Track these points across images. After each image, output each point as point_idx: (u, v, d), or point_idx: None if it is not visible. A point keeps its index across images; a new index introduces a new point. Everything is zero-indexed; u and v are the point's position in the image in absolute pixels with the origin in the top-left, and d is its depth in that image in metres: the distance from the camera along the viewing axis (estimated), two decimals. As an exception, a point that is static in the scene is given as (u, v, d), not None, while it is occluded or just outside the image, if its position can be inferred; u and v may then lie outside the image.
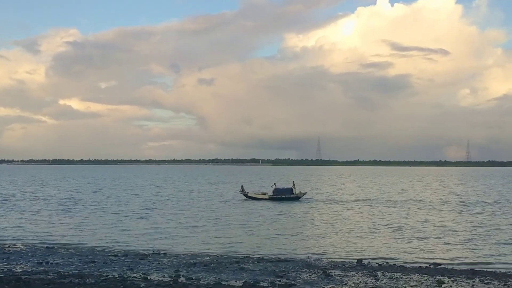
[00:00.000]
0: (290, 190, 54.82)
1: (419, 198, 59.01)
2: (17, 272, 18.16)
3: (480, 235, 29.54)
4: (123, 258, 21.46)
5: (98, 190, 72.85)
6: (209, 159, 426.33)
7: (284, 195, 53.68)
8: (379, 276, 17.88)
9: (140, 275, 17.67)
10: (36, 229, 31.51)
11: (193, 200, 54.88)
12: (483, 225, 33.78)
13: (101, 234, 29.69)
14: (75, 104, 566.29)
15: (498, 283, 17.06)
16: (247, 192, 56.37)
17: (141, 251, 23.62)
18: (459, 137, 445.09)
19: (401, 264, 20.87)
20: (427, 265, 20.67)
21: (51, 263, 19.98)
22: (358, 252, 23.87)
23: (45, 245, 25.27)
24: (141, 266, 19.61)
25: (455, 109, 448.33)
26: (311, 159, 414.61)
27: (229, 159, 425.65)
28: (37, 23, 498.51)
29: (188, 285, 16.19)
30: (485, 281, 17.24)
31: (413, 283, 16.80)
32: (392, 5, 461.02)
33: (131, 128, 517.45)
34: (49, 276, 17.29)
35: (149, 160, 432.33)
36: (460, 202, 53.39)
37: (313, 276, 17.89)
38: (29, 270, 18.59)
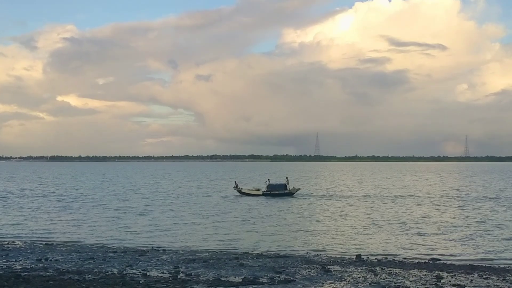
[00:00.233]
0: (284, 186, 54.97)
1: (417, 193, 59.11)
2: (16, 269, 18.15)
3: (479, 230, 29.58)
4: (122, 254, 21.47)
5: (97, 187, 72.83)
6: (208, 155, 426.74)
7: (277, 191, 53.84)
8: (378, 271, 17.90)
9: (140, 272, 17.67)
10: (35, 226, 31.50)
11: (192, 197, 54.90)
12: (483, 221, 33.84)
13: (100, 230, 29.69)
14: (73, 100, 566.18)
15: (497, 278, 17.10)
16: (241, 188, 56.53)
17: (140, 248, 23.62)
18: (457, 132, 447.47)
19: (400, 260, 20.90)
20: (426, 261, 20.70)
21: (50, 260, 19.97)
22: (357, 248, 23.89)
23: (44, 242, 25.28)
24: (140, 262, 19.61)
25: (453, 105, 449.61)
26: (310, 155, 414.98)
27: (227, 155, 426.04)
28: (34, 19, 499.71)
29: (188, 281, 16.20)
30: (484, 276, 17.28)
31: (412, 279, 16.83)
32: (390, 0, 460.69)
33: (129, 124, 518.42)
34: (48, 273, 17.28)
35: (148, 156, 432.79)
36: (459, 197, 53.47)
37: (312, 271, 17.91)
38: (28, 267, 18.58)
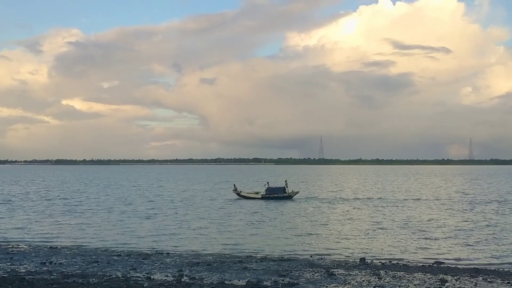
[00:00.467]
0: (283, 189, 55.07)
1: (422, 197, 58.94)
2: (20, 272, 18.21)
3: (484, 234, 29.49)
4: (126, 258, 21.50)
5: (101, 190, 72.95)
6: (212, 159, 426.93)
7: (276, 194, 53.96)
8: (382, 275, 17.87)
9: (144, 275, 17.70)
10: (39, 230, 31.58)
11: (196, 200, 54.92)
12: (487, 224, 33.73)
13: (104, 234, 29.74)
14: (78, 104, 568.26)
15: (502, 281, 17.04)
16: (240, 191, 56.65)
17: (144, 251, 23.65)
18: (461, 135, 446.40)
19: (404, 263, 20.85)
20: (430, 264, 20.65)
21: (55, 263, 20.02)
22: (361, 251, 23.85)
23: (49, 245, 25.34)
24: (144, 265, 19.64)
25: (457, 108, 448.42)
26: (314, 158, 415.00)
27: (231, 159, 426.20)
28: (39, 23, 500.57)
29: (191, 284, 16.21)
30: (488, 280, 17.23)
31: (416, 282, 16.79)
32: (394, 4, 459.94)
33: (133, 128, 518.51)
34: (52, 276, 17.32)
35: (152, 160, 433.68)
36: (464, 201, 53.31)
37: (316, 275, 17.89)
38: (33, 270, 18.63)
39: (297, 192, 56.12)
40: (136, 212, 41.62)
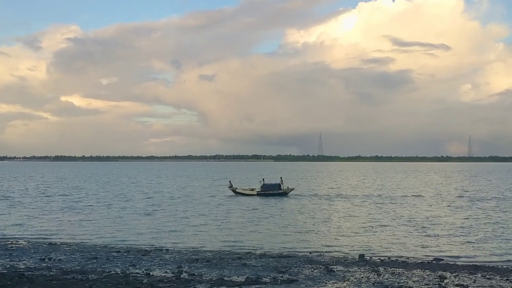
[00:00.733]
0: (278, 186, 55.21)
1: (421, 193, 59.01)
2: (20, 268, 18.20)
3: (483, 231, 29.51)
4: (125, 254, 21.50)
5: (100, 187, 72.97)
6: (211, 155, 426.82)
7: (272, 191, 54.08)
8: (381, 271, 17.88)
9: (143, 271, 17.70)
10: (38, 226, 31.57)
11: (195, 197, 54.95)
12: (487, 221, 33.76)
13: (104, 230, 29.75)
14: (77, 100, 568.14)
15: (500, 278, 17.06)
16: (236, 188, 56.74)
17: (143, 247, 23.66)
18: (460, 132, 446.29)
19: (403, 260, 20.87)
20: (429, 261, 20.67)
21: (54, 260, 20.02)
22: (360, 248, 23.87)
23: (48, 242, 25.33)
24: (143, 262, 19.64)
25: (456, 105, 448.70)
26: (313, 155, 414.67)
27: (230, 155, 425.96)
28: (38, 19, 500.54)
29: (191, 280, 16.21)
30: (487, 276, 17.24)
31: (415, 279, 16.80)
32: (393, 0, 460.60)
33: (132, 124, 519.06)
34: (51, 272, 17.32)
35: (151, 156, 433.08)
36: (463, 197, 53.37)
37: (315, 271, 17.90)
38: (32, 266, 18.63)
39: (293, 189, 56.23)
40: (135, 209, 41.63)
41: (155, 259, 20.22)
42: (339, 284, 16.11)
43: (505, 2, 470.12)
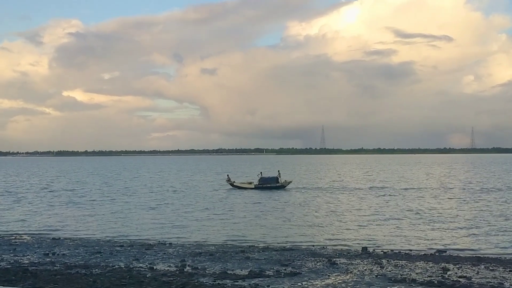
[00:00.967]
0: (276, 179, 55.34)
1: (423, 186, 58.96)
2: (23, 263, 18.26)
3: (486, 222, 29.50)
4: (129, 248, 21.56)
5: (103, 182, 73.08)
6: (213, 149, 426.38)
7: (269, 184, 54.20)
8: (384, 264, 17.90)
9: (146, 265, 17.74)
10: (42, 221, 31.67)
11: (198, 191, 55.02)
12: (489, 213, 33.74)
13: (107, 225, 29.83)
14: (79, 95, 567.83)
15: (504, 269, 17.06)
16: (233, 182, 56.83)
17: (146, 242, 23.71)
18: (463, 124, 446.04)
19: (406, 252, 20.88)
20: (432, 253, 20.68)
21: (58, 254, 20.08)
22: (363, 240, 23.88)
23: (51, 237, 25.42)
24: (147, 256, 19.69)
25: (459, 96, 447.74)
26: (315, 148, 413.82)
27: (233, 149, 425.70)
28: (39, 14, 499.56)
29: (194, 274, 16.24)
30: (490, 268, 17.24)
31: (418, 271, 16.81)
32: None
33: (134, 119, 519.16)
34: (55, 267, 17.38)
35: (154, 150, 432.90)
36: (466, 189, 53.33)
37: (318, 264, 17.93)
38: (36, 261, 18.69)
39: (290, 182, 56.33)
40: (139, 203, 41.71)
41: (158, 253, 20.27)
42: (342, 276, 16.12)
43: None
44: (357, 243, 23.12)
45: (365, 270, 16.94)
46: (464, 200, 41.96)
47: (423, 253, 20.71)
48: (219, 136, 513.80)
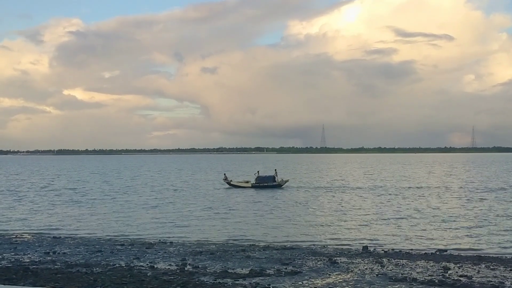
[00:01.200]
0: (273, 178, 55.48)
1: (424, 185, 58.94)
2: (24, 262, 18.27)
3: (486, 221, 29.49)
4: (129, 247, 21.56)
5: (104, 180, 73.10)
6: (214, 148, 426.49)
7: (266, 183, 54.31)
8: (385, 263, 17.89)
9: (147, 264, 17.75)
10: (43, 220, 31.69)
11: (198, 190, 55.03)
12: (490, 212, 33.72)
13: (108, 224, 29.83)
14: (79, 94, 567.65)
15: (504, 268, 17.05)
16: (230, 180, 56.92)
17: (147, 240, 23.72)
18: (464, 123, 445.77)
19: (407, 251, 20.87)
20: (433, 252, 20.67)
21: (58, 253, 20.09)
22: (364, 239, 23.87)
23: (52, 235, 25.42)
24: (147, 255, 19.69)
25: (460, 95, 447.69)
26: (316, 147, 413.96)
27: (233, 148, 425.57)
28: (39, 13, 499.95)
29: (195, 273, 16.25)
30: (491, 267, 17.24)
31: (419, 270, 16.81)
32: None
33: (135, 117, 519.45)
34: (56, 266, 17.39)
35: (154, 149, 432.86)
36: (467, 188, 53.28)
37: (319, 263, 17.92)
38: (37, 260, 18.70)
39: (287, 181, 56.40)
40: (139, 202, 41.72)
41: (159, 252, 20.27)
42: (343, 275, 16.12)
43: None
44: (358, 242, 23.11)
45: (366, 269, 16.93)
46: (465, 200, 41.92)
47: (423, 252, 20.70)
48: (219, 135, 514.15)
